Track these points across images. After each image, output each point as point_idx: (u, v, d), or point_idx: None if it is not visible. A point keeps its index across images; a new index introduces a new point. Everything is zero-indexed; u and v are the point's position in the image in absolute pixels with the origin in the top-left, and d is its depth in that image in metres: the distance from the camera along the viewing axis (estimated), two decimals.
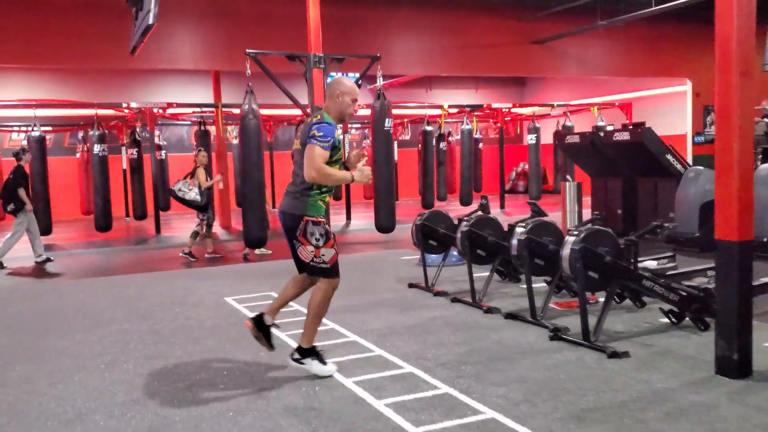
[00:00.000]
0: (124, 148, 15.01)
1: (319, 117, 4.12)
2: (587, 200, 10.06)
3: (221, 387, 4.21)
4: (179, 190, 9.61)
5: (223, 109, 13.90)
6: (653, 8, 12.71)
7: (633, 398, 3.79)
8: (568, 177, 10.46)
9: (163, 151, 16.22)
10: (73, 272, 9.32)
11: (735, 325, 4.05)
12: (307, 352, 4.22)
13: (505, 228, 6.19)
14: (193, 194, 9.60)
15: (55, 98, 16.45)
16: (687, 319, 5.16)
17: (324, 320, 4.51)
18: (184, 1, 11.79)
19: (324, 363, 4.25)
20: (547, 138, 18.16)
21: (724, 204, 4.03)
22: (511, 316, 5.66)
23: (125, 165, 15.16)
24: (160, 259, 10.42)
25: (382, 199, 9.44)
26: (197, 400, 3.99)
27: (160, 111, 14.15)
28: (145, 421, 3.69)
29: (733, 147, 3.94)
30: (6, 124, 15.83)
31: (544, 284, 6.14)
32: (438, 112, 16.66)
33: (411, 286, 7.19)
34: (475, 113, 17.47)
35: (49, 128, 15.66)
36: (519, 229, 5.54)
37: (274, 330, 4.40)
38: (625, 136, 9.90)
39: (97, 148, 12.22)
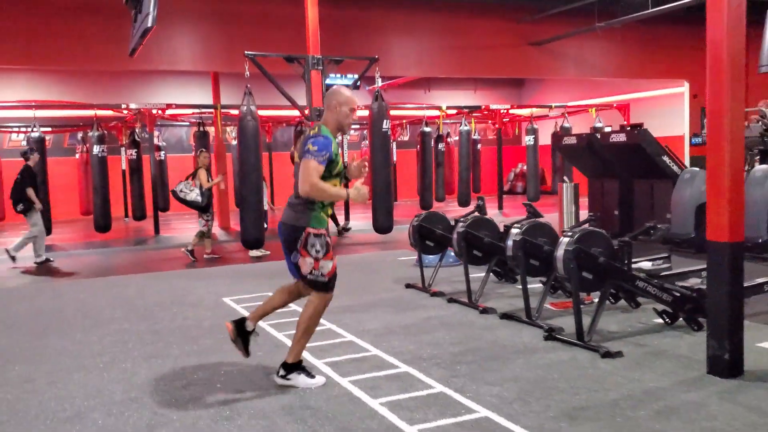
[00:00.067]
0: (123, 149, 15.08)
1: (315, 130, 4.06)
2: (584, 201, 10.11)
3: (218, 386, 4.26)
4: (181, 191, 9.70)
5: (222, 110, 13.93)
6: (650, 10, 12.77)
7: (625, 397, 3.84)
8: (566, 178, 10.52)
9: (163, 152, 16.27)
10: (72, 272, 9.37)
11: (726, 326, 4.10)
12: (293, 367, 4.14)
13: (501, 229, 6.24)
14: (194, 195, 9.68)
15: (54, 99, 16.53)
16: (681, 319, 5.22)
17: (321, 320, 4.53)
18: (183, 3, 11.84)
19: (312, 376, 4.17)
20: (545, 139, 18.21)
21: (715, 205, 4.08)
22: (506, 316, 5.71)
23: (124, 166, 15.23)
24: (159, 259, 10.47)
25: (380, 200, 9.49)
26: (195, 399, 4.03)
27: (160, 112, 14.20)
28: (143, 420, 3.74)
29: (725, 149, 3.99)
30: (6, 125, 15.88)
31: (540, 285, 6.19)
32: (436, 113, 16.71)
33: (408, 286, 7.24)
34: (474, 114, 17.53)
35: (49, 129, 15.70)
36: (514, 230, 5.60)
37: (254, 337, 4.31)
38: (621, 137, 9.96)
39: (96, 149, 12.27)
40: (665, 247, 8.62)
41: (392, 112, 16.72)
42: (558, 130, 15.66)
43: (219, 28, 12.41)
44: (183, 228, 14.79)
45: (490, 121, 18.73)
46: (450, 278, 7.41)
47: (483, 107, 17.25)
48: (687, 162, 15.28)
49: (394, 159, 19.60)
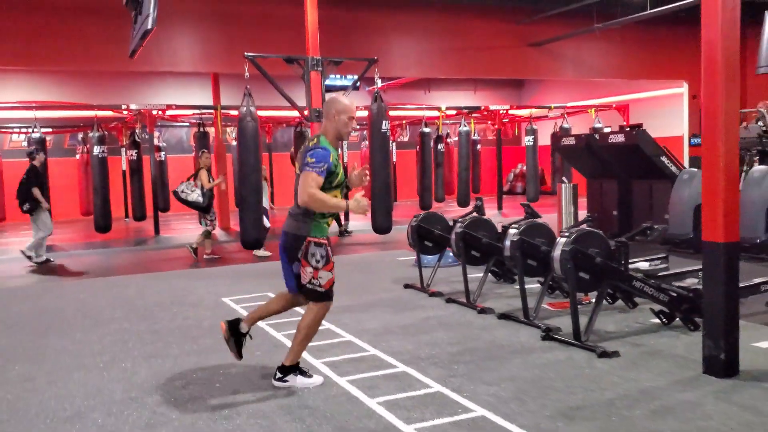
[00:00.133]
0: (123, 150, 15.11)
1: (315, 141, 4.06)
2: (583, 202, 10.13)
3: (217, 386, 4.29)
4: (182, 191, 9.75)
5: (222, 111, 13.97)
6: (649, 11, 12.80)
7: (621, 396, 3.87)
8: (564, 179, 10.55)
9: (163, 153, 16.31)
10: (73, 273, 9.40)
11: (722, 325, 4.12)
12: (290, 369, 4.16)
13: (499, 229, 6.27)
14: (196, 195, 9.74)
15: (55, 100, 16.57)
16: (677, 319, 5.24)
17: None
18: (183, 4, 11.87)
19: (309, 376, 4.19)
20: (545, 140, 18.24)
21: (711, 206, 4.11)
22: (504, 316, 5.74)
23: (125, 166, 15.26)
24: (159, 259, 10.51)
25: (379, 200, 9.52)
26: (194, 398, 4.06)
27: (160, 113, 14.24)
28: (143, 419, 3.77)
29: (719, 149, 4.02)
30: (6, 125, 15.92)
31: (539, 285, 6.21)
32: (436, 113, 16.75)
33: (407, 286, 7.27)
34: (473, 115, 17.56)
35: (50, 130, 15.77)
36: (512, 231, 5.63)
37: (247, 340, 4.33)
38: (619, 138, 9.99)
39: (96, 150, 12.28)
40: (664, 247, 8.64)
41: (392, 113, 16.80)
42: (557, 130, 15.69)
43: (219, 30, 12.45)
44: (183, 228, 14.83)
45: (489, 122, 18.76)
46: (448, 278, 7.44)
47: (482, 108, 17.28)
48: (686, 163, 15.31)
49: (394, 159, 19.64)
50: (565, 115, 16.41)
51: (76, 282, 8.62)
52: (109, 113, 14.68)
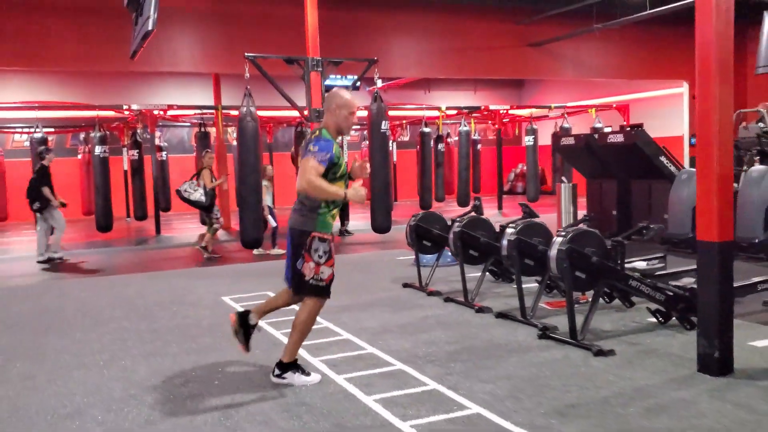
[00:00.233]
0: (125, 150, 15.15)
1: (317, 133, 4.12)
2: (583, 201, 10.16)
3: (216, 383, 4.32)
4: (185, 190, 9.86)
5: (223, 111, 14.03)
6: (648, 11, 12.82)
7: (615, 394, 3.90)
8: (564, 179, 10.58)
9: (164, 153, 16.35)
10: (73, 272, 9.45)
11: (716, 324, 4.15)
12: (288, 366, 4.20)
13: (498, 229, 6.30)
14: (198, 195, 9.84)
15: (57, 100, 16.62)
16: (674, 318, 5.27)
17: (318, 319, 4.61)
18: (184, 5, 11.92)
19: (307, 374, 4.23)
20: (545, 140, 18.27)
21: (705, 205, 4.14)
22: (501, 315, 5.77)
23: (126, 166, 15.30)
24: (159, 259, 10.55)
25: (379, 200, 9.56)
26: (193, 396, 4.10)
27: (161, 113, 14.28)
28: (142, 416, 3.81)
29: (713, 149, 4.05)
30: (9, 125, 15.98)
31: (537, 284, 6.24)
32: (436, 113, 16.78)
33: (405, 285, 7.30)
34: (473, 115, 17.59)
35: (52, 130, 15.83)
36: (509, 230, 5.66)
37: (255, 332, 4.36)
38: (618, 138, 10.02)
39: (98, 150, 12.34)
40: (663, 247, 8.67)
41: (392, 113, 16.85)
42: (558, 130, 15.72)
43: (219, 30, 12.49)
44: (184, 228, 14.88)
45: (489, 122, 18.79)
46: (447, 278, 7.47)
47: (483, 108, 17.31)
48: (686, 163, 15.33)
49: (395, 159, 19.68)
50: (566, 115, 16.44)
51: (77, 281, 8.66)
52: (110, 113, 14.74)
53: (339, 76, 13.18)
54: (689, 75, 16.10)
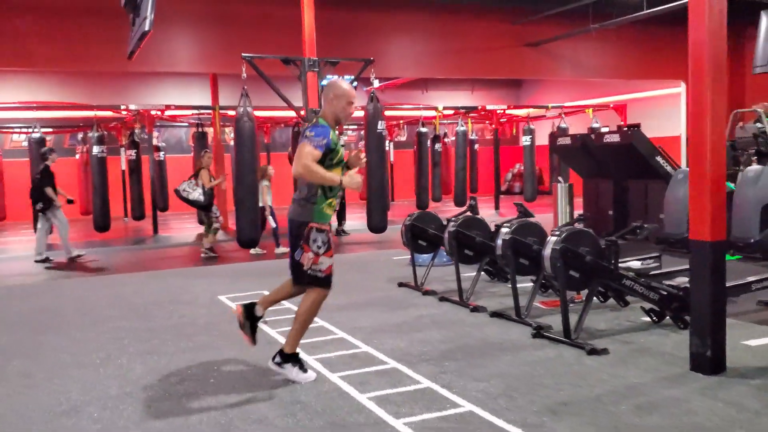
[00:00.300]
0: (122, 150, 15.17)
1: (314, 121, 4.19)
2: (579, 201, 10.20)
3: (212, 381, 4.35)
4: (184, 190, 9.93)
5: (221, 111, 14.05)
6: (645, 11, 12.85)
7: (607, 393, 3.93)
8: (560, 178, 10.61)
9: (162, 153, 16.36)
10: (71, 271, 9.47)
11: (708, 323, 4.18)
12: (289, 357, 4.22)
13: (493, 228, 6.33)
14: (197, 194, 9.91)
15: (55, 100, 16.63)
16: (667, 317, 5.30)
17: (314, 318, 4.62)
18: (181, 5, 11.93)
19: (305, 370, 4.25)
20: (543, 139, 18.31)
21: (697, 205, 4.17)
22: (496, 314, 5.80)
23: (124, 166, 15.32)
24: (157, 258, 10.58)
25: (375, 199, 9.58)
26: (188, 394, 4.13)
27: (159, 113, 14.31)
28: (137, 413, 3.83)
29: (706, 149, 4.08)
30: (7, 125, 15.99)
31: (532, 284, 6.27)
32: (433, 113, 16.80)
33: (401, 285, 7.33)
34: (471, 115, 17.61)
35: (50, 130, 15.85)
36: (504, 230, 5.68)
37: (261, 324, 4.40)
38: (614, 138, 10.05)
39: (96, 150, 12.36)
40: (659, 247, 8.70)
41: (389, 113, 16.85)
42: (555, 130, 15.75)
43: (217, 30, 12.51)
44: (181, 228, 14.91)
45: (487, 122, 18.82)
46: (442, 277, 7.50)
47: (480, 108, 17.34)
48: (684, 162, 15.37)
49: (392, 159, 19.69)
50: (563, 115, 16.48)
51: (75, 280, 8.68)
52: (108, 113, 14.76)
53: (336, 76, 13.19)
54: (686, 75, 16.08)
